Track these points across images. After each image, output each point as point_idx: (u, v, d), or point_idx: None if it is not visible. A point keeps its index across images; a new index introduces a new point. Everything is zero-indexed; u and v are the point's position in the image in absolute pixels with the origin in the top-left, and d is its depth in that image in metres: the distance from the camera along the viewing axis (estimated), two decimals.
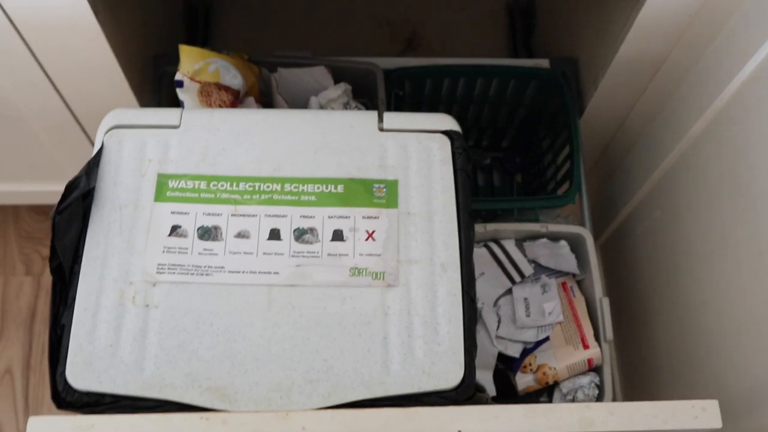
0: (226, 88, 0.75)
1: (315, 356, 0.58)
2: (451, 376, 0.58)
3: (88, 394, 0.56)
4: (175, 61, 0.90)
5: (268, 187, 0.64)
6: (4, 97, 0.85)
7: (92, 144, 0.97)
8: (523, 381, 0.75)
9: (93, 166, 0.63)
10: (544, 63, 0.92)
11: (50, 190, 1.11)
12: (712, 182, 0.73)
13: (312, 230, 0.62)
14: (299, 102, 0.83)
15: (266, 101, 0.83)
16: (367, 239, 0.62)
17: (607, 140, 0.96)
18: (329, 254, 0.62)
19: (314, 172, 0.64)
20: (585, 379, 0.74)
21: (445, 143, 0.66)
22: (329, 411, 0.55)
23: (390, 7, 1.25)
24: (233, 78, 0.76)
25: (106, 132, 0.65)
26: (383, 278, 0.61)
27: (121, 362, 0.57)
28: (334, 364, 0.57)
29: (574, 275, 0.81)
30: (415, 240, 0.62)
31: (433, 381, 0.57)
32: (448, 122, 0.67)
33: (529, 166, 1.04)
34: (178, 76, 0.75)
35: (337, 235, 0.62)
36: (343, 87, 0.83)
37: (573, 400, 0.74)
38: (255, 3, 1.21)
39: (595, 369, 0.75)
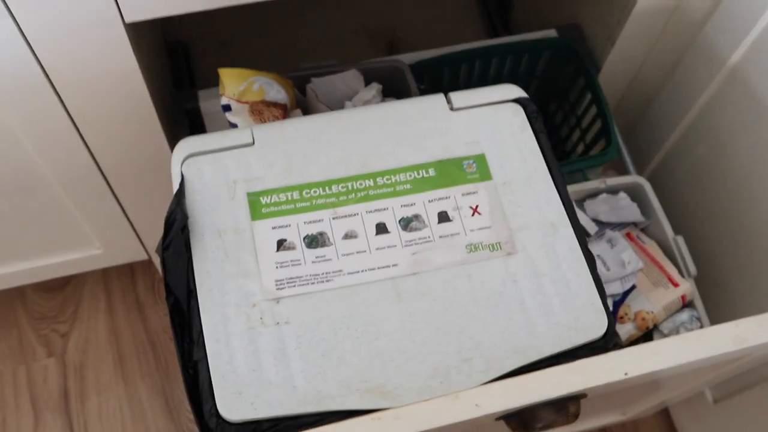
0: (275, 104, 0.74)
1: (460, 336, 0.57)
2: (597, 325, 0.58)
3: (245, 423, 0.53)
4: (191, 97, 0.88)
5: (360, 184, 0.63)
6: (29, 161, 0.81)
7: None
8: (624, 331, 0.76)
9: (181, 197, 0.61)
10: (551, 33, 0.94)
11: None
12: (755, 106, 0.76)
13: (417, 217, 0.62)
14: (335, 108, 0.83)
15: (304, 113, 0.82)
16: (473, 215, 0.62)
17: (621, 94, 0.98)
18: (441, 236, 0.61)
19: (402, 161, 0.64)
20: (684, 316, 0.75)
21: (518, 110, 0.67)
22: (496, 383, 0.53)
23: (362, 16, 1.25)
24: (277, 93, 0.74)
25: (182, 162, 0.63)
26: (501, 248, 0.61)
27: (270, 384, 0.54)
28: (482, 340, 0.57)
29: (635, 224, 0.83)
30: (519, 206, 0.63)
31: (581, 334, 0.57)
32: (515, 91, 0.68)
33: None
34: (223, 101, 0.73)
35: (443, 217, 0.62)
36: (376, 87, 0.83)
37: None
38: (227, 35, 1.20)
39: (687, 305, 0.77)
